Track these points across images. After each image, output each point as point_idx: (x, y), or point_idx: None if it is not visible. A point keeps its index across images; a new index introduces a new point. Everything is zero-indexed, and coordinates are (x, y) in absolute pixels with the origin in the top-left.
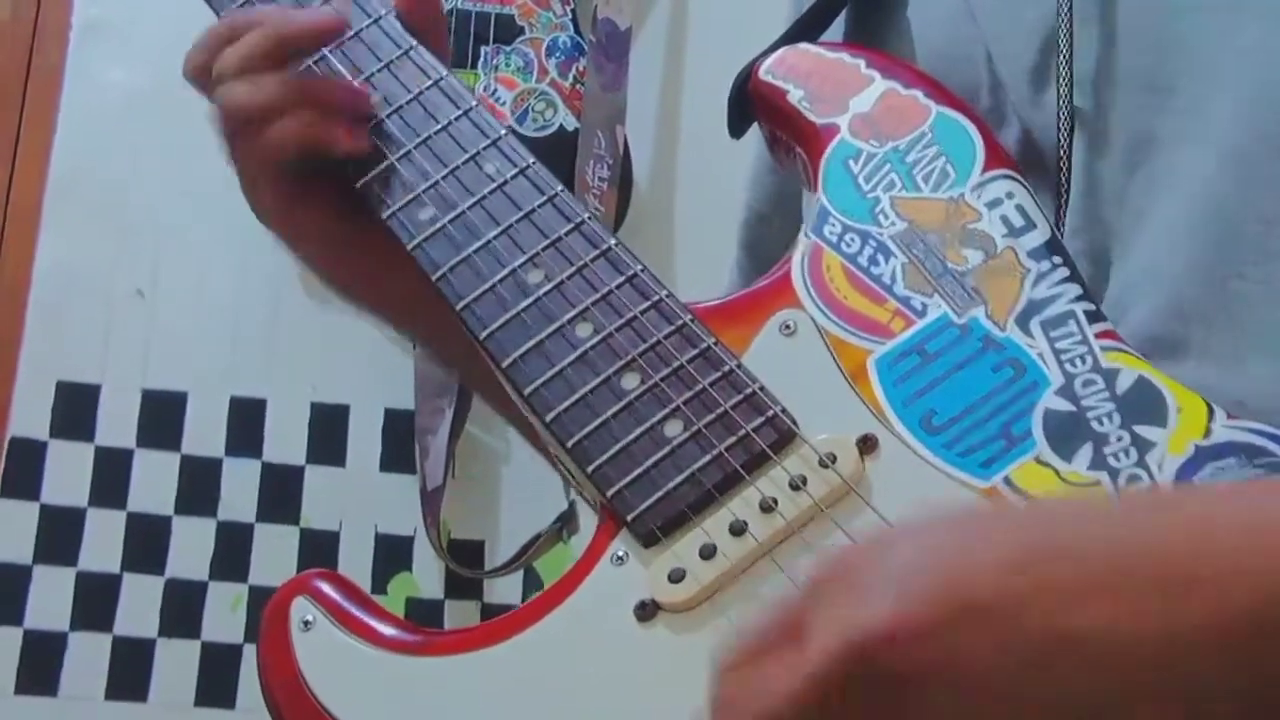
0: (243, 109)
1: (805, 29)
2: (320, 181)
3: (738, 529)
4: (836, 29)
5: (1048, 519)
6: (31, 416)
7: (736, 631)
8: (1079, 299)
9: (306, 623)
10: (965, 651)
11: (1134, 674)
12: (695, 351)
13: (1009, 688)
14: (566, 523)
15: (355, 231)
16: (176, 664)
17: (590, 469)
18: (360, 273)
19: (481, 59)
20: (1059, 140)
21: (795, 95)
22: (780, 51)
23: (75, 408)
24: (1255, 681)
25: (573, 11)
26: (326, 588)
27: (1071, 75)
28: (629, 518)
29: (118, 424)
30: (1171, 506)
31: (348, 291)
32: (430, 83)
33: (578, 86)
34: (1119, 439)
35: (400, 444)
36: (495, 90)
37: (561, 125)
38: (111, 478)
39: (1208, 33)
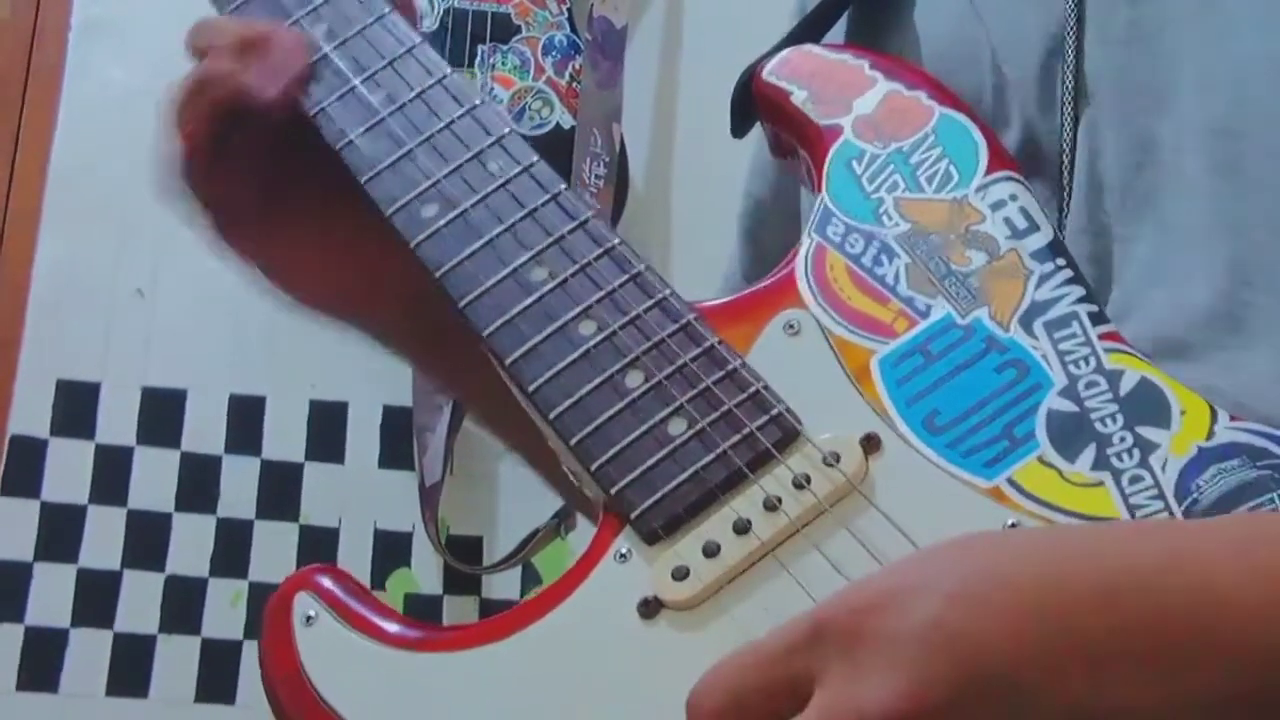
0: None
1: (808, 30)
2: (294, 198)
3: (741, 527)
4: (838, 31)
5: (1060, 575)
6: (32, 414)
7: (724, 664)
8: (1082, 300)
9: (309, 618)
10: None
11: None
12: (699, 350)
13: None
14: (564, 518)
15: (333, 249)
16: (177, 660)
17: (593, 467)
18: (344, 294)
19: (478, 58)
20: (1062, 143)
21: (799, 97)
22: (784, 53)
23: (75, 406)
24: None
25: (569, 10)
26: (329, 583)
27: (1077, 79)
28: (632, 516)
29: (118, 422)
30: (1175, 568)
31: (333, 313)
32: (434, 80)
33: (574, 85)
34: (1122, 440)
35: (399, 440)
36: (492, 89)
37: (558, 123)
38: (112, 475)
39: (1201, 39)
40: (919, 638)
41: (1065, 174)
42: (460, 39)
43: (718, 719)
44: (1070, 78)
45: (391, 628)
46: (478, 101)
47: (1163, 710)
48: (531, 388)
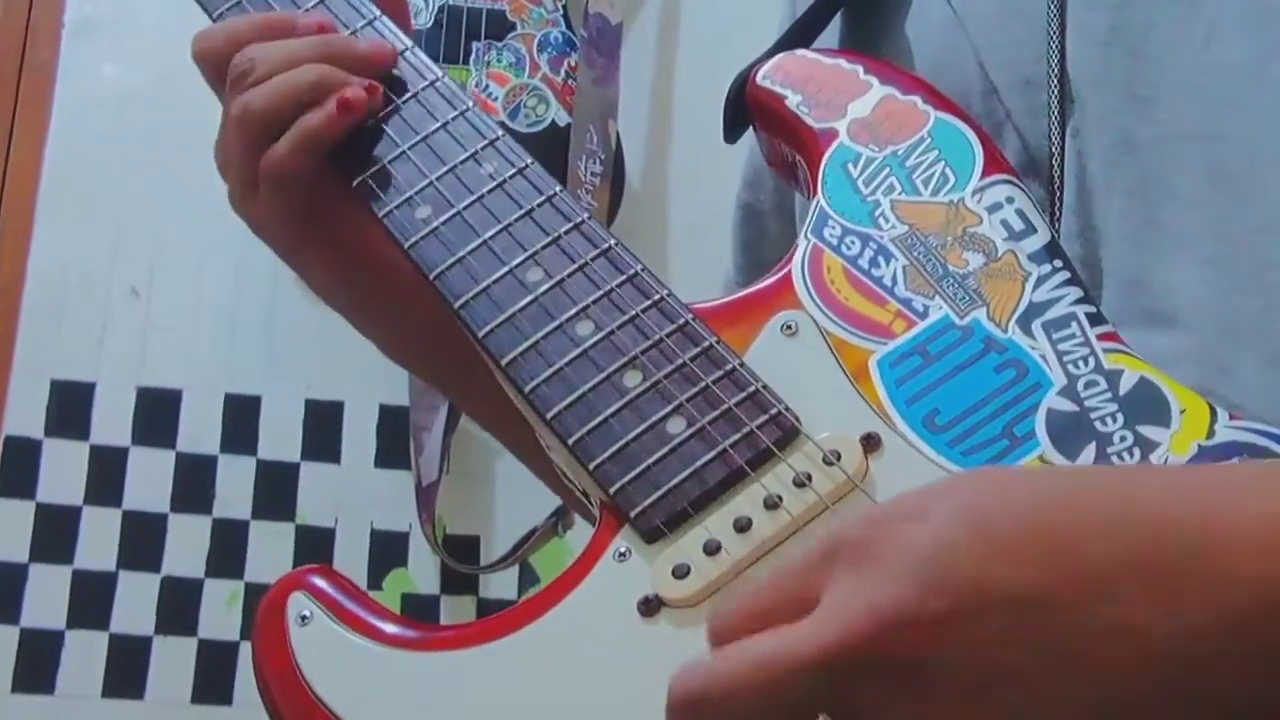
0: (268, 108)
1: (799, 36)
2: (329, 205)
3: (742, 525)
4: (831, 40)
5: (1068, 502)
6: (26, 415)
7: (735, 593)
8: (1080, 301)
9: (303, 618)
10: (991, 641)
11: (1148, 666)
12: (697, 350)
13: (1033, 677)
14: (562, 517)
15: (358, 259)
16: (173, 661)
17: (592, 466)
18: (357, 297)
19: (473, 55)
20: (1050, 148)
21: (793, 101)
22: (778, 58)
23: (70, 406)
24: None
25: (564, 7)
26: (322, 583)
27: (1062, 85)
28: (632, 514)
29: (113, 422)
30: (1182, 499)
31: (344, 312)
32: (426, 83)
33: (570, 82)
34: (1122, 439)
35: (395, 440)
36: (487, 86)
37: (553, 120)
38: (107, 475)
39: (1182, 43)
40: (928, 548)
41: (1056, 179)
42: (455, 36)
43: (733, 632)
44: (1055, 83)
45: (388, 627)
46: (470, 104)
47: (1164, 629)
48: (528, 388)
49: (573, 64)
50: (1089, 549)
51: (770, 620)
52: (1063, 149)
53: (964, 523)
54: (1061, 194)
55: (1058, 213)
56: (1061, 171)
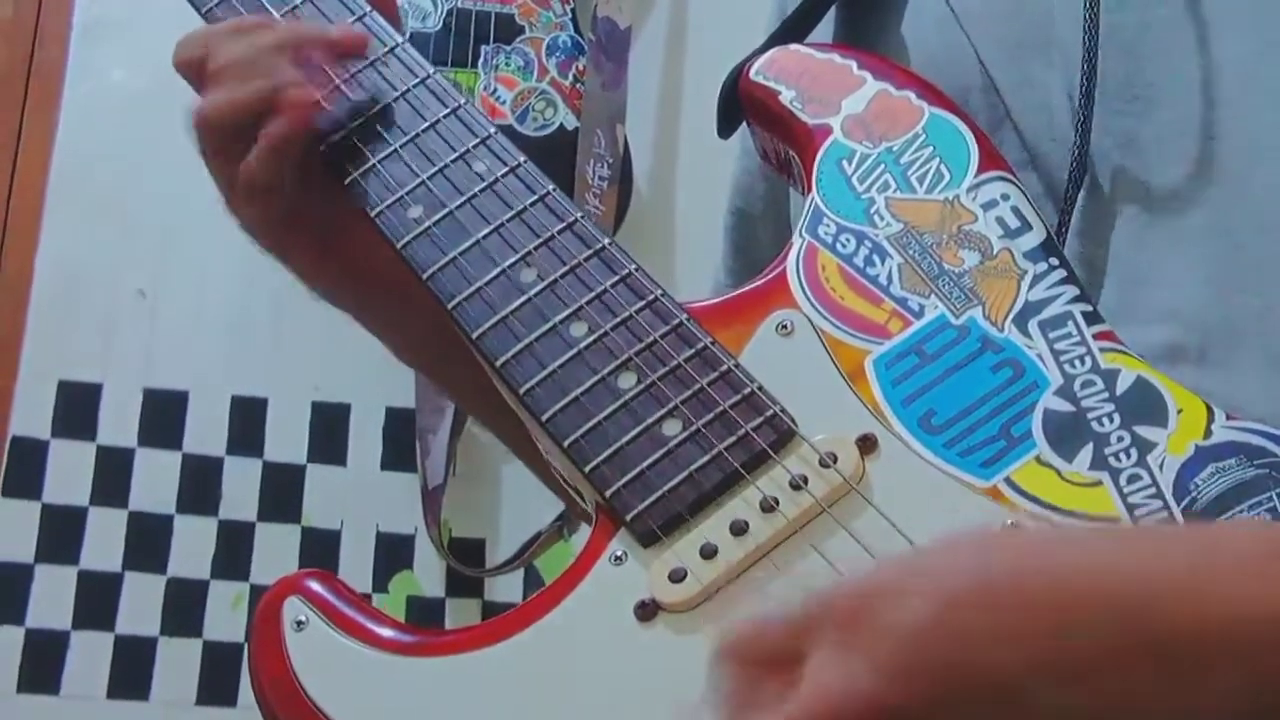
0: (221, 118)
1: (791, 31)
2: (311, 198)
3: (738, 528)
4: (825, 37)
5: (1070, 588)
6: (33, 415)
7: (754, 622)
8: (1076, 300)
9: (299, 623)
10: None
11: None
12: (692, 351)
13: None
14: (567, 521)
15: (346, 259)
16: (178, 663)
17: (588, 468)
18: (349, 295)
19: (481, 58)
20: (1075, 144)
21: (787, 96)
22: (771, 52)
23: (77, 407)
24: None
25: (572, 11)
26: (319, 588)
27: (1089, 86)
28: (628, 517)
29: (119, 423)
30: (1192, 590)
31: (340, 308)
32: (417, 80)
33: (578, 85)
34: (1119, 439)
35: (401, 443)
36: (495, 89)
37: (561, 124)
38: (113, 477)
39: (1179, 43)
40: (912, 634)
41: (1069, 177)
42: (464, 39)
43: (735, 664)
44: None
45: (384, 632)
46: (462, 101)
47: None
48: (523, 389)
49: (581, 68)
50: (1089, 642)
51: (763, 666)
52: (1078, 147)
53: (950, 609)
54: (1076, 191)
55: (1068, 207)
56: (1070, 169)
